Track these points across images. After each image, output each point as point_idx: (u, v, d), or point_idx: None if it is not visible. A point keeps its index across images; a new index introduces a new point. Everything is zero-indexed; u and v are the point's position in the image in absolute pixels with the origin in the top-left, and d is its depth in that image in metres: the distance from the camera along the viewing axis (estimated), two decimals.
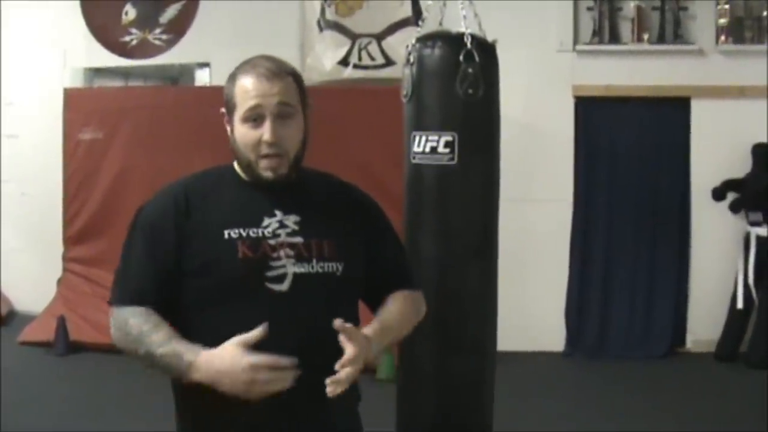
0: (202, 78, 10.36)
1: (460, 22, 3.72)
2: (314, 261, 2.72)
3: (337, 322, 2.57)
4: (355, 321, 2.76)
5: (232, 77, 2.82)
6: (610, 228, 9.11)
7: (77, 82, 10.43)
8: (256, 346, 2.53)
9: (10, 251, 10.23)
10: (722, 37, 8.85)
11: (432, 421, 3.62)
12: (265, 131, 2.71)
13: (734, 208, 8.71)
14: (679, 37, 8.92)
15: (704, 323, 8.92)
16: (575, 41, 9.07)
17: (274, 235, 2.71)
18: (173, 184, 2.88)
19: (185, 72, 10.97)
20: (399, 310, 2.89)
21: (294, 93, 2.80)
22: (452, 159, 3.53)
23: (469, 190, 3.60)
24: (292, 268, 2.69)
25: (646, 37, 8.94)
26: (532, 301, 8.84)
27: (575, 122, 9.10)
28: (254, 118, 2.73)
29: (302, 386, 2.57)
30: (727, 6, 8.82)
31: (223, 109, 2.83)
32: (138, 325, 2.67)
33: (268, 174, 2.74)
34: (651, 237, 9.08)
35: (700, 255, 9.02)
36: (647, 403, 7.45)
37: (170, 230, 2.73)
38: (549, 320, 9.04)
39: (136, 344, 2.68)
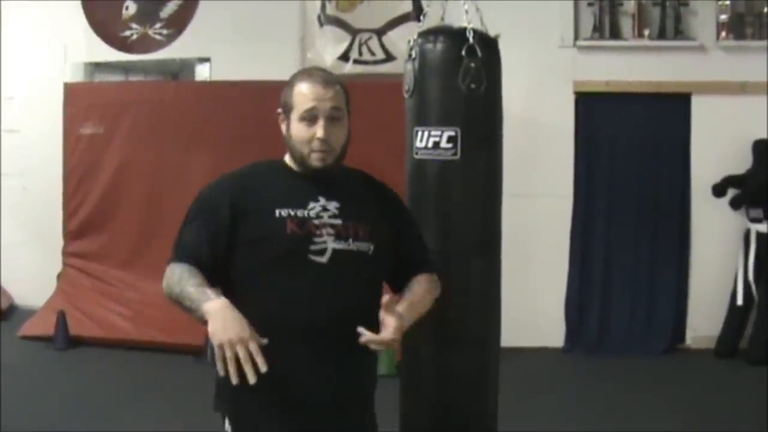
0: (202, 73, 10.36)
1: (461, 18, 3.72)
2: (350, 240, 3.18)
3: (384, 299, 3.09)
4: (379, 293, 3.23)
5: (290, 83, 3.29)
6: (610, 224, 9.11)
7: (78, 76, 10.44)
8: (297, 309, 3.08)
9: (10, 245, 10.23)
10: (723, 33, 8.85)
11: (436, 418, 3.62)
12: (318, 129, 3.18)
13: (734, 204, 8.70)
14: (679, 32, 8.92)
15: (704, 319, 8.93)
16: (576, 37, 9.07)
17: (318, 217, 3.17)
18: (234, 171, 3.36)
19: (185, 67, 10.97)
20: (423, 291, 3.33)
21: (342, 99, 3.27)
22: (455, 154, 3.53)
23: (472, 185, 3.60)
24: (332, 244, 3.15)
25: (646, 32, 8.94)
26: (532, 297, 8.84)
27: (576, 118, 9.10)
28: (310, 118, 3.19)
29: (332, 341, 3.09)
30: (727, 2, 8.82)
31: (279, 110, 3.32)
32: (181, 272, 3.10)
33: (317, 164, 3.20)
34: (651, 233, 9.08)
35: (700, 251, 9.02)
36: (647, 400, 7.45)
37: (226, 209, 3.16)
38: (549, 316, 9.05)
39: (174, 286, 3.10)
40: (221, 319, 2.92)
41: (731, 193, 8.71)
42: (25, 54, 10.33)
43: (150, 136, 9.33)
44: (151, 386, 7.62)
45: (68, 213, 9.65)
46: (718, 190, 8.67)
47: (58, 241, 9.66)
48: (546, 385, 7.93)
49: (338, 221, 3.17)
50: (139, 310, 8.87)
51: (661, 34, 8.95)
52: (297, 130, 3.21)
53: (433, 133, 3.56)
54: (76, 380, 7.89)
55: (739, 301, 8.59)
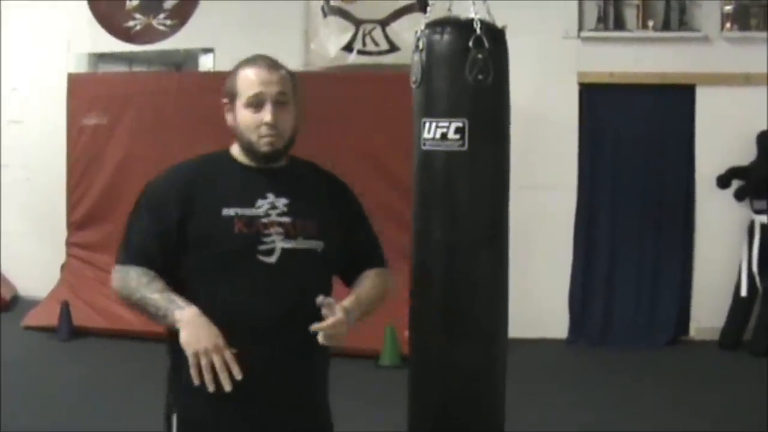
0: (206, 63, 10.37)
1: (468, 9, 3.71)
2: (299, 238, 3.14)
3: (319, 299, 3.02)
4: (328, 290, 3.19)
5: (234, 71, 3.23)
6: (615, 215, 9.11)
7: (81, 67, 10.46)
8: (246, 310, 3.04)
9: (14, 236, 10.25)
10: (728, 24, 8.85)
11: (443, 409, 3.61)
12: (266, 114, 3.12)
13: (739, 195, 8.70)
14: (684, 24, 8.91)
15: (708, 311, 8.94)
16: (580, 28, 9.07)
17: (266, 215, 3.12)
18: (178, 164, 3.30)
19: (189, 57, 10.98)
20: (372, 286, 3.29)
21: (289, 85, 3.20)
22: (462, 145, 3.52)
23: (480, 176, 3.58)
24: (281, 244, 3.10)
25: (651, 24, 8.94)
26: (535, 288, 8.83)
27: (580, 109, 9.11)
28: (256, 103, 3.12)
29: (284, 345, 3.08)
30: None
31: (224, 99, 3.22)
32: (137, 277, 3.05)
33: (266, 148, 3.14)
34: (655, 224, 9.08)
35: (704, 243, 9.02)
36: (651, 391, 7.45)
37: (174, 205, 3.11)
38: (553, 307, 9.06)
39: (132, 291, 3.04)
40: (194, 327, 2.91)
41: (735, 184, 8.71)
42: (28, 45, 10.34)
43: (153, 127, 9.33)
44: (155, 377, 7.61)
45: (72, 204, 9.66)
46: (723, 182, 8.67)
47: (62, 232, 9.68)
48: (550, 377, 7.95)
49: (287, 219, 3.13)
50: None
51: (666, 26, 8.95)
52: (243, 116, 3.14)
53: (440, 124, 3.54)
54: (79, 371, 7.90)
55: (743, 293, 8.59)
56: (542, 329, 8.92)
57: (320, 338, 2.98)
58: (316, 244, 3.16)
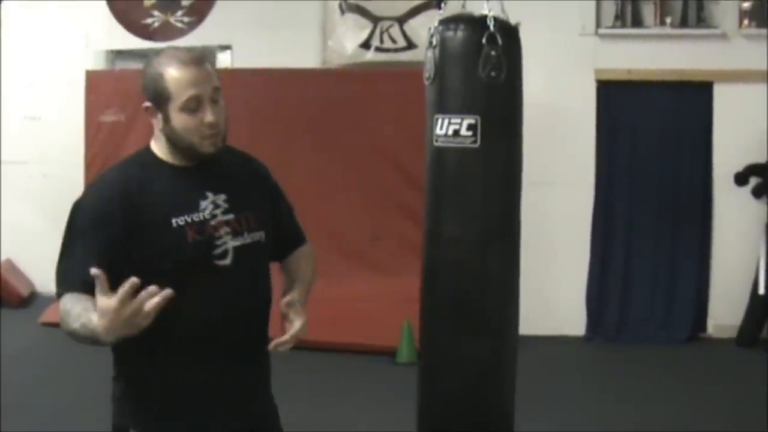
0: (223, 61, 10.37)
1: (482, 6, 3.71)
2: (245, 233, 3.08)
3: (283, 304, 3.06)
4: (270, 276, 3.20)
5: (156, 71, 2.99)
6: (632, 212, 9.09)
7: (99, 64, 10.48)
8: (209, 318, 2.97)
9: (31, 232, 10.28)
10: (746, 21, 8.80)
11: (453, 404, 3.62)
12: (207, 115, 2.96)
13: (757, 193, 8.66)
14: (702, 20, 8.88)
15: (725, 308, 8.91)
16: (597, 25, 9.04)
17: (212, 216, 3.02)
18: (107, 176, 3.10)
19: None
20: (310, 268, 3.33)
21: (216, 76, 3.05)
22: (475, 142, 3.52)
23: (492, 172, 3.59)
24: (231, 243, 3.04)
25: (668, 20, 8.91)
26: (553, 285, 8.84)
27: (597, 106, 9.09)
28: (194, 106, 2.95)
29: (241, 341, 3.07)
30: None
31: (147, 104, 3.02)
32: (63, 306, 2.84)
33: (210, 149, 3.00)
34: (672, 222, 9.05)
35: (721, 240, 8.99)
36: (668, 389, 7.44)
37: (116, 220, 2.92)
38: (570, 304, 9.04)
39: (64, 326, 2.84)
40: (111, 328, 2.62)
41: (753, 181, 8.67)
42: (46, 41, 10.37)
43: None
44: None
45: None
46: (741, 179, 8.63)
47: None
48: (567, 373, 7.94)
49: (231, 216, 3.05)
50: None
51: (683, 22, 8.91)
52: (181, 120, 2.95)
53: (453, 120, 3.55)
54: (97, 367, 7.90)
55: (761, 290, 8.54)
56: (559, 326, 8.92)
57: (282, 348, 3.00)
58: (260, 235, 3.12)
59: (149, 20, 10.00)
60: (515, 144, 3.68)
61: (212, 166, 3.07)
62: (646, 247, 9.08)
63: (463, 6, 3.91)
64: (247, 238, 3.07)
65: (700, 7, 8.86)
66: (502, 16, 3.70)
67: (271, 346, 3.00)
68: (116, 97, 9.60)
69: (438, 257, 3.61)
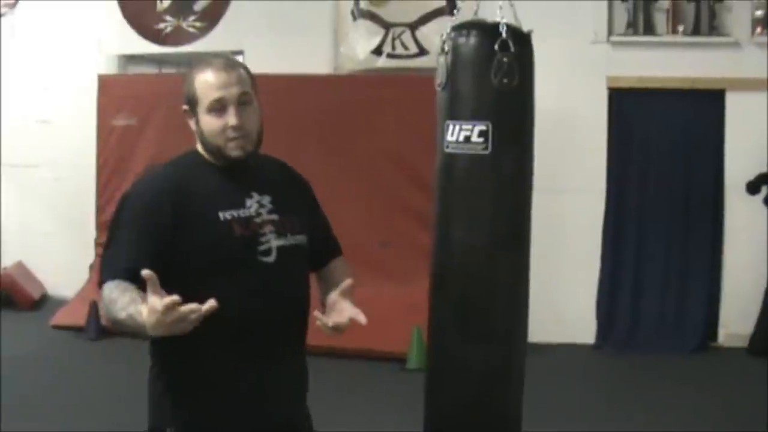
0: None
1: (495, 12, 3.71)
2: (288, 235, 3.14)
3: (344, 286, 3.11)
4: (309, 281, 3.26)
5: (190, 76, 3.11)
6: (643, 220, 9.08)
7: (111, 68, 10.51)
8: (251, 312, 3.01)
9: (42, 235, 10.34)
10: (758, 29, 8.80)
11: (461, 411, 3.61)
12: (230, 117, 3.04)
13: None
14: (714, 28, 8.87)
15: (737, 317, 8.89)
16: (610, 32, 9.05)
17: (258, 214, 3.10)
18: (157, 171, 3.20)
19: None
20: (345, 277, 3.23)
21: (248, 82, 3.12)
22: (486, 148, 3.51)
23: (503, 179, 3.58)
24: (275, 242, 3.10)
25: (681, 28, 8.91)
26: (563, 293, 8.83)
27: (609, 113, 9.09)
28: (218, 108, 3.04)
29: (281, 338, 3.11)
30: None
31: (184, 106, 3.14)
32: (108, 295, 2.86)
33: (236, 153, 3.07)
34: (684, 230, 9.04)
35: (733, 248, 8.98)
36: (677, 398, 7.43)
37: (166, 212, 2.99)
38: (580, 312, 9.03)
39: (108, 313, 2.87)
40: (157, 326, 2.64)
41: (765, 190, 8.65)
42: (59, 46, 10.40)
43: (182, 129, 9.28)
44: None
45: (100, 204, 9.72)
46: (752, 188, 8.62)
47: (91, 232, 9.73)
48: (576, 382, 7.93)
49: (276, 216, 3.12)
50: None
51: (696, 30, 8.91)
52: (207, 122, 3.06)
53: (464, 127, 3.54)
54: (107, 370, 7.94)
55: None
56: (569, 334, 8.90)
57: (326, 330, 3.01)
58: (301, 239, 3.18)
59: (161, 25, 10.04)
60: (526, 151, 3.67)
61: (255, 169, 3.16)
62: (656, 255, 9.07)
63: (476, 12, 3.91)
64: (290, 240, 3.13)
65: (713, 15, 8.86)
66: (514, 23, 3.70)
67: (320, 322, 3.01)
68: (128, 101, 9.64)
69: (447, 263, 3.60)
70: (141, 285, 2.75)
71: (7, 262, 10.42)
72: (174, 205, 2.99)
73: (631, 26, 9.01)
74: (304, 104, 8.96)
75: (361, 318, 2.99)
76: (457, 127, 3.55)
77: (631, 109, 9.10)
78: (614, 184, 9.11)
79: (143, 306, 2.68)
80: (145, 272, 2.66)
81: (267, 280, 3.06)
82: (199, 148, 3.15)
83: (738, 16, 8.84)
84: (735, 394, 7.50)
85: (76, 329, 8.88)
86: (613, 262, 9.13)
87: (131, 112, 9.62)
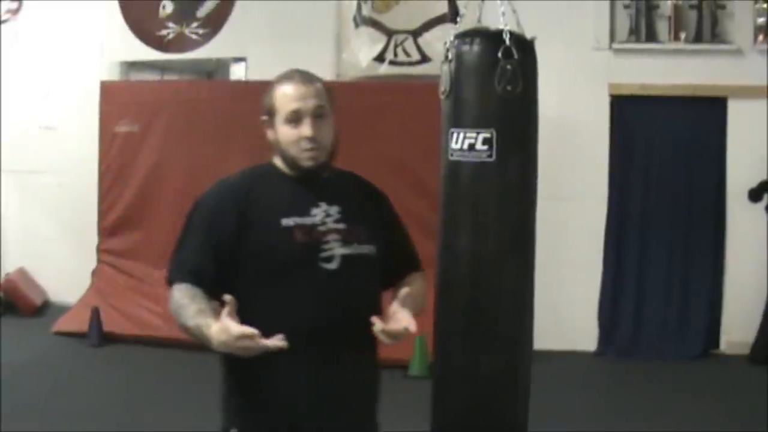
0: (237, 73, 10.41)
1: (498, 20, 3.72)
2: (355, 244, 3.20)
3: (402, 292, 3.25)
4: (380, 292, 3.34)
5: (271, 88, 3.27)
6: (645, 227, 9.09)
7: (114, 75, 10.52)
8: (308, 317, 3.09)
9: (45, 241, 10.35)
10: (760, 37, 8.81)
11: (466, 418, 3.61)
12: (305, 129, 3.16)
13: None
14: (716, 36, 8.89)
15: (739, 325, 8.89)
16: (612, 39, 9.06)
17: (323, 223, 3.18)
18: (229, 178, 3.32)
19: (221, 66, 11.03)
20: (420, 289, 3.39)
21: (325, 97, 3.26)
22: (490, 156, 3.51)
23: (507, 187, 3.58)
24: (340, 250, 3.16)
25: (683, 35, 8.92)
26: (564, 300, 8.82)
27: (611, 120, 9.10)
28: (295, 119, 3.17)
29: (341, 346, 3.13)
30: (765, 5, 8.77)
31: (263, 117, 3.27)
32: (179, 299, 3.08)
33: (309, 163, 3.19)
34: (686, 237, 9.05)
35: (735, 256, 8.98)
36: (679, 405, 7.43)
37: (231, 218, 3.15)
38: (582, 319, 9.04)
39: (177, 316, 3.07)
40: (222, 347, 2.89)
41: (767, 197, 8.65)
42: (62, 52, 10.41)
43: (185, 135, 9.39)
44: (184, 384, 7.66)
45: (103, 210, 9.73)
46: (754, 195, 8.63)
47: (93, 238, 9.73)
48: (578, 389, 7.93)
49: (342, 225, 3.20)
50: None
51: (698, 38, 8.92)
52: (283, 132, 3.19)
53: (468, 134, 3.54)
54: (109, 377, 7.94)
55: None
56: (571, 341, 8.91)
57: (382, 336, 3.06)
58: (369, 249, 3.24)
59: (164, 32, 10.05)
60: (531, 158, 3.67)
61: (327, 180, 3.28)
62: (658, 262, 9.08)
63: (479, 20, 3.91)
64: (356, 249, 3.20)
65: (715, 23, 8.87)
66: (517, 30, 3.71)
67: (377, 328, 3.06)
68: (131, 107, 9.65)
69: (452, 270, 3.59)
70: (205, 286, 3.07)
71: (10, 268, 10.43)
72: (239, 212, 3.15)
73: (634, 33, 9.02)
74: None
75: (412, 327, 3.06)
76: (462, 135, 3.55)
77: (633, 116, 9.10)
78: (616, 190, 9.12)
79: (213, 321, 2.91)
80: (227, 297, 2.89)
81: (327, 286, 3.14)
82: (276, 159, 3.28)
83: (740, 24, 8.85)
84: (736, 402, 7.50)
85: (79, 335, 8.88)
86: (615, 268, 9.13)
87: (134, 118, 9.62)
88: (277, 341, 2.86)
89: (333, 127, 3.27)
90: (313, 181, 3.24)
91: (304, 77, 3.26)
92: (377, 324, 3.06)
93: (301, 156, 3.18)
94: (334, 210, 3.21)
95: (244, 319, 2.92)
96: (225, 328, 2.84)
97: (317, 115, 3.19)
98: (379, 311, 3.20)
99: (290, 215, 3.15)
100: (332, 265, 3.14)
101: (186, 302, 3.04)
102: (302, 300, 3.11)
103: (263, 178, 3.28)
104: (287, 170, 3.26)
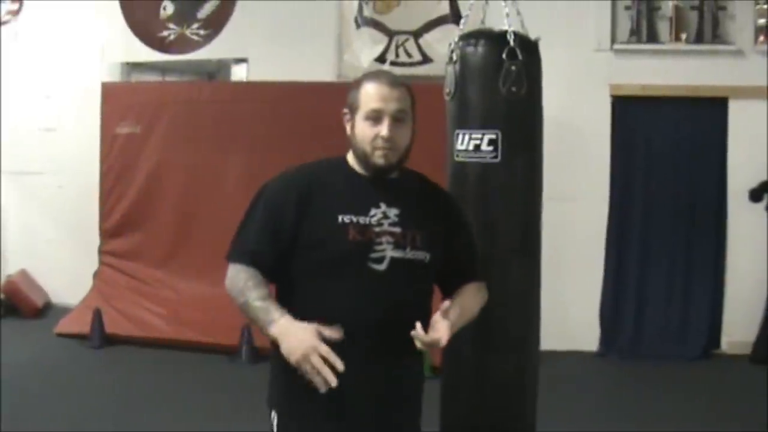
0: (238, 73, 10.40)
1: (502, 21, 3.73)
2: (408, 248, 3.22)
3: (443, 305, 3.14)
4: (430, 299, 3.34)
5: (357, 84, 3.31)
6: (646, 228, 9.08)
7: (115, 76, 10.50)
8: (351, 314, 3.11)
9: (46, 243, 10.34)
10: (761, 38, 8.80)
11: (476, 418, 3.62)
12: (383, 128, 3.20)
13: None
14: (717, 37, 8.88)
15: (740, 325, 8.88)
16: (613, 40, 9.06)
17: (379, 224, 3.20)
18: (298, 168, 3.37)
19: (222, 67, 11.03)
20: (473, 301, 3.38)
21: (408, 102, 3.29)
22: (495, 157, 3.54)
23: (513, 187, 3.60)
24: (391, 253, 3.19)
25: (684, 36, 8.92)
26: (566, 301, 8.81)
27: (612, 121, 9.09)
28: (375, 117, 3.21)
29: (383, 346, 3.16)
30: (766, 6, 8.76)
31: (345, 110, 3.32)
32: (245, 279, 3.18)
33: (381, 161, 3.22)
34: (687, 237, 9.04)
35: (736, 256, 8.98)
36: (681, 405, 7.43)
37: (292, 207, 3.21)
38: (583, 320, 9.03)
39: (239, 293, 3.17)
40: (288, 336, 3.02)
41: None
42: (63, 53, 10.41)
43: (186, 136, 9.38)
44: (186, 385, 7.67)
45: (104, 212, 9.72)
46: (755, 195, 8.62)
47: (94, 240, 9.73)
48: (580, 389, 7.92)
49: (397, 229, 3.21)
50: (175, 309, 8.94)
51: (699, 38, 8.92)
52: (361, 128, 3.23)
53: (474, 135, 3.56)
54: (111, 378, 7.93)
55: None
56: (573, 341, 8.89)
57: (418, 343, 3.07)
58: (423, 255, 3.24)
59: (165, 33, 10.05)
60: (535, 159, 3.69)
61: (394, 183, 3.30)
62: (660, 263, 9.07)
63: (482, 22, 3.92)
64: (408, 254, 3.22)
65: (716, 23, 8.87)
66: (521, 31, 3.71)
67: (414, 332, 3.07)
68: (132, 109, 9.63)
69: None
70: (263, 270, 3.18)
71: (11, 269, 10.42)
72: (300, 202, 3.20)
73: (635, 34, 9.02)
74: (307, 112, 8.94)
75: (443, 340, 3.07)
76: (467, 136, 3.57)
77: (634, 117, 9.10)
78: (617, 191, 9.11)
79: (278, 313, 3.06)
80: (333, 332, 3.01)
81: (374, 287, 3.18)
82: (349, 154, 3.33)
83: (741, 25, 8.85)
84: (737, 402, 7.50)
85: (80, 337, 8.87)
86: (617, 269, 9.13)
87: (135, 119, 9.61)
88: (333, 331, 2.98)
89: (411, 132, 3.30)
90: (379, 181, 3.27)
91: (391, 79, 3.29)
92: (416, 329, 3.07)
93: (374, 154, 3.21)
94: (393, 212, 3.23)
95: (289, 308, 3.08)
96: (306, 329, 3.00)
97: (397, 119, 3.22)
98: (427, 317, 3.20)
99: (348, 212, 3.19)
100: (381, 266, 3.18)
101: (252, 284, 3.14)
102: (348, 297, 3.16)
103: (331, 171, 3.33)
104: (357, 167, 3.29)
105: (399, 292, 3.19)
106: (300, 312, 3.07)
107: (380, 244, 3.18)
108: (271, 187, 3.32)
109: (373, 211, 3.21)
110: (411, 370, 3.34)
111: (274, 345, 3.15)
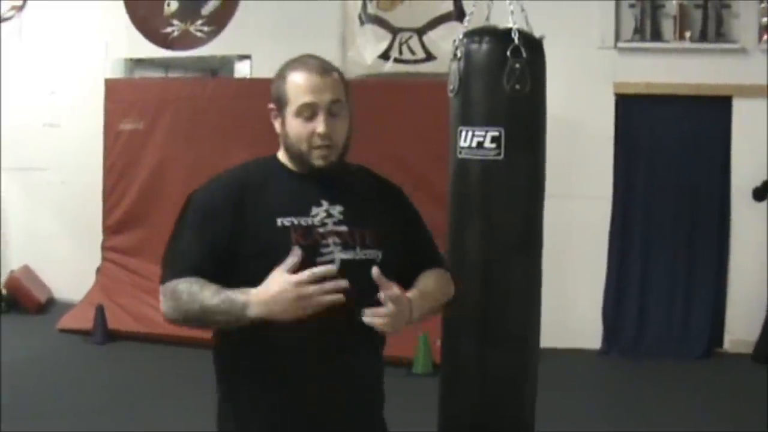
0: (242, 70, 10.41)
1: (506, 18, 3.73)
2: (358, 248, 2.92)
3: (375, 272, 2.80)
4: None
5: (282, 75, 2.98)
6: (649, 226, 9.08)
7: (118, 72, 10.52)
8: (305, 323, 2.74)
9: (49, 239, 10.35)
10: (765, 36, 8.79)
11: (474, 416, 3.62)
12: (319, 125, 2.88)
13: None
14: (721, 35, 8.88)
15: (742, 323, 8.89)
16: (617, 38, 9.05)
17: (323, 224, 2.90)
18: (226, 173, 3.05)
19: (225, 64, 11.02)
20: (433, 283, 3.06)
21: (341, 89, 2.97)
22: (498, 154, 3.53)
23: (515, 185, 3.60)
24: (339, 255, 2.88)
25: (688, 35, 8.90)
26: (569, 299, 8.82)
27: (615, 119, 9.08)
28: (308, 112, 2.89)
29: (339, 351, 2.89)
30: None
31: (271, 105, 2.99)
32: (187, 288, 2.82)
33: (320, 162, 2.92)
34: (690, 236, 9.04)
35: (739, 255, 8.97)
36: (683, 404, 7.43)
37: (227, 216, 2.88)
38: (586, 317, 9.03)
39: (188, 305, 2.82)
40: (273, 306, 2.72)
41: None
42: (66, 49, 10.41)
43: (189, 133, 9.38)
44: (188, 381, 7.66)
45: (107, 208, 9.73)
46: (759, 194, 8.62)
47: (97, 236, 9.73)
48: (582, 387, 7.93)
49: (344, 228, 2.91)
50: None
51: (703, 37, 8.91)
52: (294, 126, 2.91)
53: (477, 133, 3.56)
54: (114, 374, 7.94)
55: None
56: (575, 339, 8.89)
57: (376, 321, 2.80)
58: (375, 254, 2.94)
59: (169, 29, 10.02)
60: (539, 156, 3.69)
61: (334, 178, 2.98)
62: (663, 261, 9.07)
63: (487, 19, 3.92)
64: (359, 254, 2.91)
65: (720, 22, 8.86)
66: (526, 29, 3.71)
67: (365, 318, 2.81)
68: (135, 105, 9.65)
69: (460, 268, 3.60)
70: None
71: (14, 265, 10.44)
72: (235, 210, 2.89)
73: (638, 32, 9.02)
74: None
75: (377, 320, 2.80)
76: (470, 133, 3.57)
77: (637, 115, 9.09)
78: (620, 189, 9.11)
79: (236, 292, 2.74)
80: (296, 250, 2.76)
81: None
82: (280, 152, 3.03)
83: (745, 23, 8.84)
84: (740, 400, 7.50)
85: (83, 333, 8.88)
86: (619, 267, 9.12)
87: (138, 116, 9.62)
88: (324, 267, 2.73)
89: (348, 123, 2.99)
90: (318, 178, 2.95)
91: (322, 66, 2.96)
92: (373, 272, 2.81)
93: (312, 154, 2.91)
94: (337, 210, 2.93)
95: (241, 325, 2.79)
96: (280, 278, 2.71)
97: (333, 112, 2.91)
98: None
99: (288, 215, 2.88)
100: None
101: (196, 288, 2.80)
102: None
103: (264, 172, 3.01)
104: (291, 165, 2.99)
105: (353, 295, 2.77)
106: (251, 327, 2.77)
107: (327, 246, 2.87)
108: (200, 197, 2.99)
109: (314, 210, 2.91)
110: (369, 371, 3.07)
111: (223, 374, 3.04)
